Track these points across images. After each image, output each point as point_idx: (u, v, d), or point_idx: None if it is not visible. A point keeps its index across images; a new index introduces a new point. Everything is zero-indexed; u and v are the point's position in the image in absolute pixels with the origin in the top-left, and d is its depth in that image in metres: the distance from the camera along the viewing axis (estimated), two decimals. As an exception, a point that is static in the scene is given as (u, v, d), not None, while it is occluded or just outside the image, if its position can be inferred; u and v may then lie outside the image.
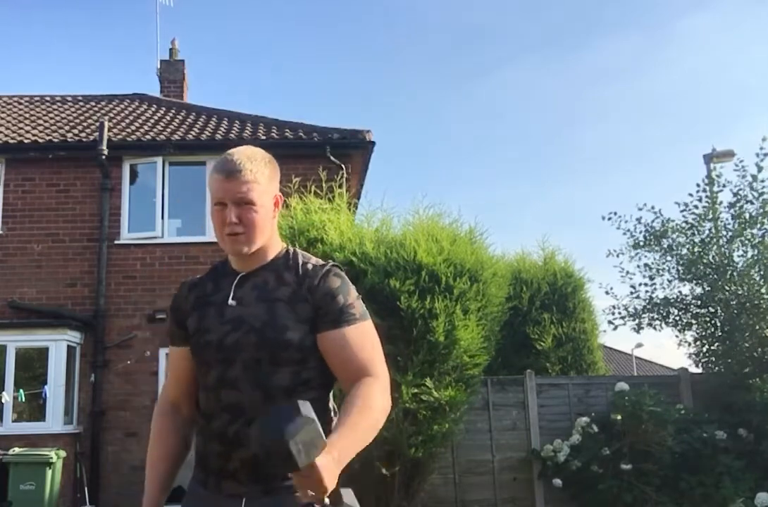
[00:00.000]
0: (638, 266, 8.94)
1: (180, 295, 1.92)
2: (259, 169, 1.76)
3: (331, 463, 1.43)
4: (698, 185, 8.77)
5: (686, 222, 8.68)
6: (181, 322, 1.88)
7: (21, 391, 9.67)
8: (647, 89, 56.46)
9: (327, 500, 1.44)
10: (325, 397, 1.79)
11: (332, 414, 1.82)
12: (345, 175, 9.11)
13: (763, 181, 8.36)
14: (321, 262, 1.84)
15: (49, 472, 8.61)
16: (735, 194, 8.52)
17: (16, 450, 8.80)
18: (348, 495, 1.49)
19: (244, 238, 1.76)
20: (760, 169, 8.37)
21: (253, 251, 1.79)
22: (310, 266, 1.80)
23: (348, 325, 1.73)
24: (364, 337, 1.75)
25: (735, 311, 8.14)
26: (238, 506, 1.70)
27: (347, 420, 1.57)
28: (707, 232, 8.62)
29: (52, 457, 8.66)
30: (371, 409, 1.63)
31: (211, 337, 1.78)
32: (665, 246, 8.70)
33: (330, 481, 1.42)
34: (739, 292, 8.19)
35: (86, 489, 9.56)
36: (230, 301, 1.79)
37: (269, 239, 1.82)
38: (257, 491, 1.70)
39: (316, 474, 1.40)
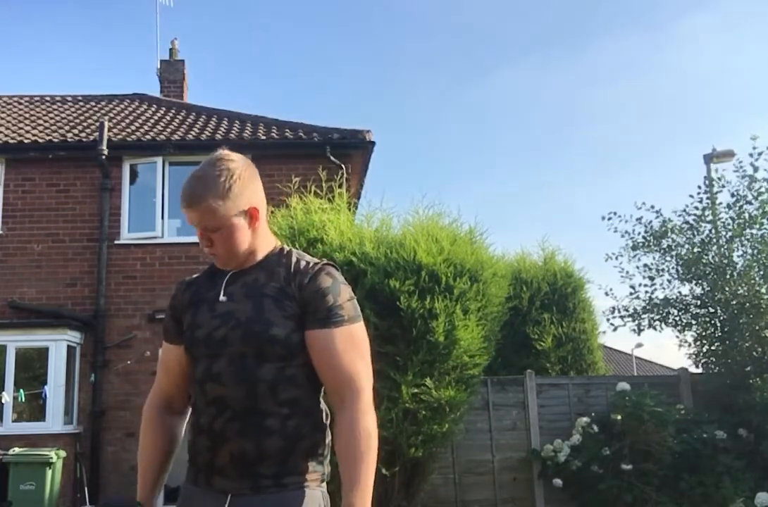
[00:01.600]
0: (638, 267, 8.95)
1: (177, 293, 1.94)
2: (218, 193, 1.72)
3: None
4: (699, 187, 8.80)
5: (686, 223, 8.69)
6: (177, 318, 1.90)
7: (21, 391, 9.67)
8: (648, 89, 56.48)
9: None
10: (314, 395, 1.78)
11: (324, 416, 1.81)
12: (345, 175, 9.11)
13: (760, 180, 8.38)
14: (315, 260, 1.83)
15: (49, 472, 8.61)
16: (733, 195, 8.54)
17: (16, 450, 8.79)
18: None
19: (221, 259, 1.82)
20: (755, 169, 8.39)
21: (239, 263, 1.83)
22: (302, 264, 1.80)
23: (335, 326, 1.73)
24: (349, 341, 1.74)
25: (735, 311, 8.14)
26: (224, 502, 1.70)
27: (353, 476, 1.63)
28: (707, 232, 8.63)
29: (52, 457, 8.65)
30: (368, 448, 1.66)
31: (201, 332, 1.80)
32: (664, 246, 8.70)
33: None
34: (739, 292, 8.19)
35: (86, 489, 9.56)
36: (221, 298, 1.81)
37: (255, 244, 1.83)
38: (245, 488, 1.70)
39: None
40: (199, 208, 1.73)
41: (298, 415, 1.73)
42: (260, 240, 1.83)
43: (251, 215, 1.78)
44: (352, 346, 1.74)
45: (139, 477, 1.92)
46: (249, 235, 1.79)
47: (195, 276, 1.97)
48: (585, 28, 53.08)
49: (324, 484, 1.79)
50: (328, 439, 1.80)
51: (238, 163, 1.79)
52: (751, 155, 8.42)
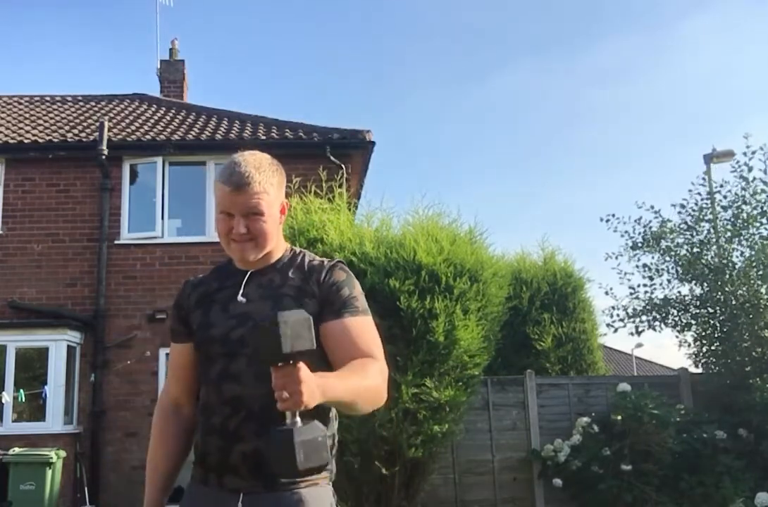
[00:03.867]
0: (637, 267, 8.95)
1: (183, 293, 1.93)
2: (267, 179, 1.75)
3: (313, 378, 1.43)
4: (692, 184, 8.84)
5: (684, 223, 8.69)
6: (184, 319, 1.89)
7: (21, 391, 9.67)
8: (648, 90, 56.47)
9: (298, 419, 1.44)
10: None
11: (333, 415, 1.82)
12: (345, 175, 9.11)
13: (754, 180, 8.40)
14: (327, 259, 1.87)
15: (49, 472, 8.61)
16: (725, 196, 8.57)
17: (16, 450, 8.80)
18: (316, 426, 1.47)
19: (252, 246, 1.77)
20: (750, 168, 8.42)
21: (259, 259, 1.81)
22: (316, 262, 1.84)
23: (350, 316, 1.75)
24: (364, 329, 1.77)
25: (734, 311, 8.14)
26: (237, 501, 1.70)
27: (341, 372, 1.59)
28: (705, 232, 8.64)
29: (52, 457, 8.65)
30: (366, 375, 1.63)
31: (215, 332, 1.79)
32: (663, 246, 8.70)
33: (307, 391, 1.41)
34: (738, 293, 8.19)
35: (86, 489, 9.56)
36: (239, 298, 1.80)
37: (277, 241, 1.84)
38: (258, 486, 1.70)
39: (296, 373, 1.40)
40: (252, 189, 1.72)
41: (311, 414, 1.73)
42: (280, 238, 1.86)
43: (282, 210, 1.82)
44: (366, 333, 1.76)
45: (147, 480, 1.90)
46: (278, 230, 1.82)
47: (201, 276, 1.96)
48: (586, 30, 53.09)
49: (331, 483, 1.80)
50: (336, 439, 1.82)
51: (273, 159, 1.84)
52: (744, 154, 8.44)
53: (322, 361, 1.75)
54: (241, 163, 1.75)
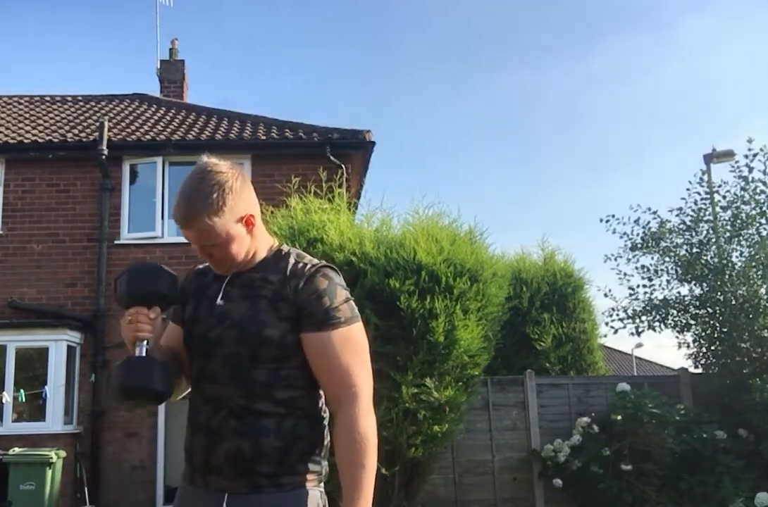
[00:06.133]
0: (636, 268, 8.95)
1: (188, 278, 1.96)
2: (211, 210, 1.70)
3: None
4: (689, 182, 8.85)
5: (683, 223, 8.70)
6: (183, 302, 1.92)
7: (21, 391, 9.66)
8: (650, 90, 56.48)
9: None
10: (311, 395, 1.77)
11: (323, 415, 1.81)
12: (345, 175, 9.11)
13: (754, 181, 8.42)
14: (314, 262, 1.82)
15: (49, 472, 8.60)
16: (724, 196, 8.57)
17: (16, 450, 8.79)
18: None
19: (222, 267, 1.81)
20: (750, 169, 8.44)
21: (239, 267, 1.83)
22: (299, 266, 1.79)
23: (332, 328, 1.72)
24: (347, 343, 1.73)
25: (734, 312, 8.14)
26: (222, 501, 1.70)
27: (353, 481, 1.64)
28: (705, 232, 8.64)
29: (52, 457, 8.64)
30: (366, 452, 1.66)
31: (198, 329, 1.81)
32: (662, 247, 8.70)
33: None
34: (738, 293, 8.19)
35: (86, 489, 9.55)
36: (218, 301, 1.81)
37: (254, 247, 1.83)
38: (242, 487, 1.69)
39: None
40: (195, 228, 1.72)
41: (295, 416, 1.73)
42: (258, 242, 1.83)
43: (247, 222, 1.77)
44: (348, 348, 1.73)
45: None
46: (248, 241, 1.79)
47: (206, 265, 1.94)
48: (588, 30, 53.09)
49: (322, 484, 1.79)
50: (327, 440, 1.80)
51: (227, 174, 1.74)
52: (746, 156, 8.47)
53: (303, 367, 1.75)
54: (183, 197, 1.73)
